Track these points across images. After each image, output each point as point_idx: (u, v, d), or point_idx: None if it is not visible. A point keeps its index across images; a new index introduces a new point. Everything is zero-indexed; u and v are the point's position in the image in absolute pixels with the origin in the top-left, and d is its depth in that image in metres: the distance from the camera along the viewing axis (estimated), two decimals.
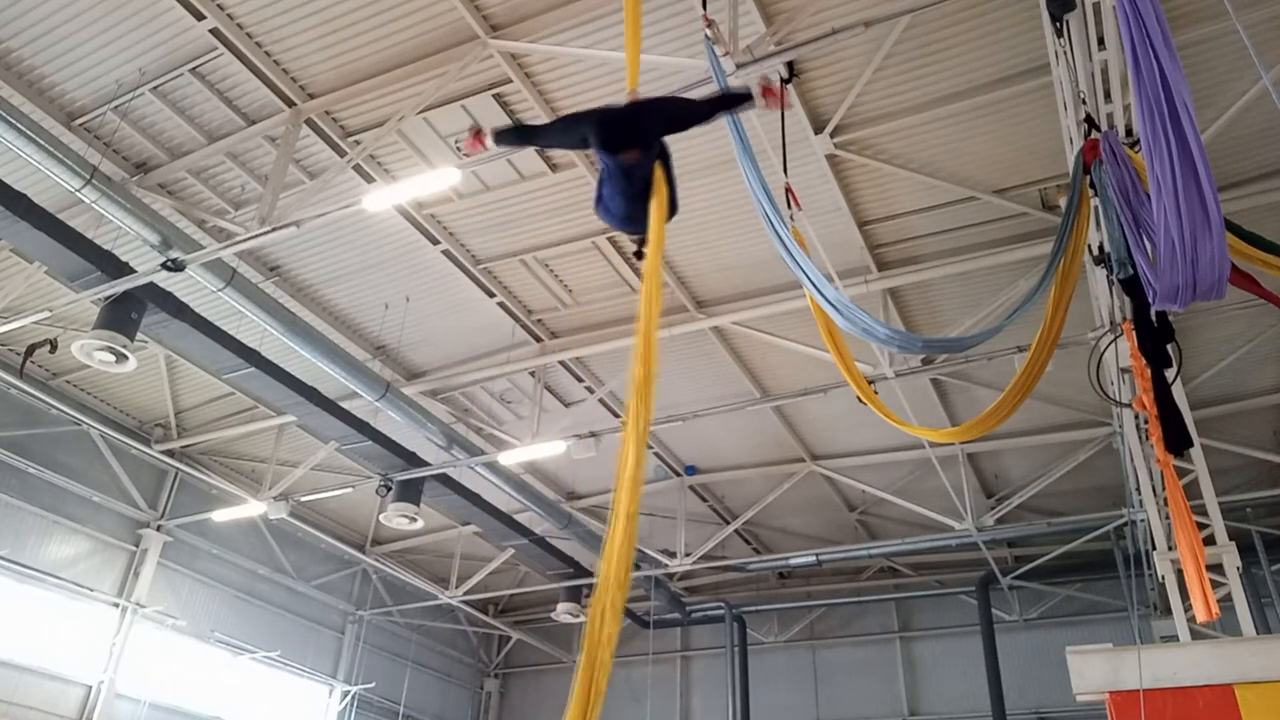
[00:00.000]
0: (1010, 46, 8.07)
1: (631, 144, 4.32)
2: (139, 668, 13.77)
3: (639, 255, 4.56)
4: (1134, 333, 5.53)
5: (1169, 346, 5.58)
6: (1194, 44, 7.76)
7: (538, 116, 8.85)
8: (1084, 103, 6.50)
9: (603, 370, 12.67)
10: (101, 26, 8.18)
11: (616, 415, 13.44)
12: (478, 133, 4.99)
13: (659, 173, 4.25)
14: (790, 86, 8.38)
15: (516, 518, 14.98)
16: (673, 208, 4.39)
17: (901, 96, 8.64)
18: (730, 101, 5.19)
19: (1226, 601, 7.45)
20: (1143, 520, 10.21)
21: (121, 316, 9.30)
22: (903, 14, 6.94)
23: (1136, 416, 9.04)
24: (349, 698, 17.23)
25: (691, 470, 15.31)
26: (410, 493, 12.59)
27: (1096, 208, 5.05)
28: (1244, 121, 8.27)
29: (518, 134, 5.32)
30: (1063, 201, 5.60)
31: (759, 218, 5.45)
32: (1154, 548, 8.59)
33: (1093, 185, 4.95)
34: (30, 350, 10.70)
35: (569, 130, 4.91)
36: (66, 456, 13.57)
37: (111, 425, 13.63)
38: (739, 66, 6.68)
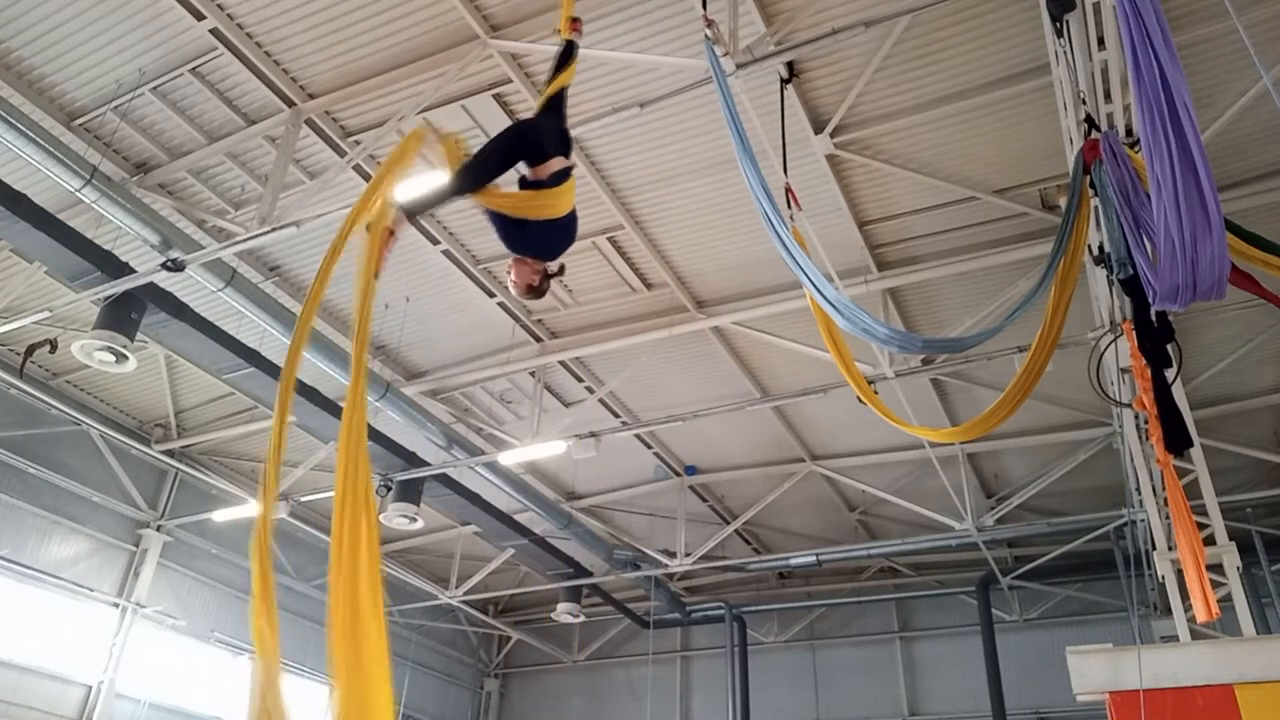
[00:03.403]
0: (1010, 46, 8.07)
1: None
2: (139, 668, 13.76)
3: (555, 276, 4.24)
4: (1134, 333, 5.52)
5: (1169, 346, 5.57)
6: (1194, 44, 7.76)
7: None
8: (1084, 103, 6.50)
9: (603, 370, 12.65)
10: (101, 26, 8.17)
11: (616, 415, 13.44)
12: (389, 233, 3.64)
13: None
14: (790, 86, 8.40)
15: (516, 518, 14.97)
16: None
17: (901, 96, 8.64)
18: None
19: (1226, 601, 7.43)
20: (1143, 520, 10.20)
21: (121, 316, 9.30)
22: (903, 14, 6.94)
23: (1136, 416, 9.03)
24: None
25: (691, 470, 15.31)
26: (410, 493, 12.58)
27: (1096, 208, 5.04)
28: (1244, 121, 8.27)
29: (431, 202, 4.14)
30: (1063, 201, 5.60)
31: (759, 218, 5.44)
32: (1154, 548, 8.58)
33: (1093, 185, 4.94)
34: (30, 350, 10.70)
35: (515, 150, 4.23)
36: (66, 456, 13.57)
37: (111, 425, 13.63)
38: (739, 66, 6.68)
